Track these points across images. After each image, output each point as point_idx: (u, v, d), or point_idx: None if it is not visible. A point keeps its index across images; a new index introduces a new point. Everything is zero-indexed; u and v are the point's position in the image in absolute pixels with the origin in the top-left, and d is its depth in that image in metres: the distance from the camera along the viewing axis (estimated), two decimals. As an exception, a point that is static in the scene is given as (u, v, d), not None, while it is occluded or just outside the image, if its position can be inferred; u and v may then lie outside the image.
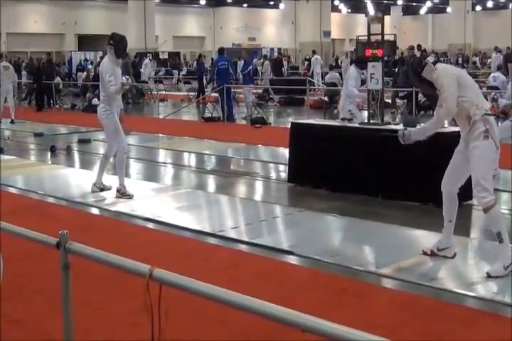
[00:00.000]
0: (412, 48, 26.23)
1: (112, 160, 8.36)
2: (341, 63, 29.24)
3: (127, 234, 6.38)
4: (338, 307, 4.37)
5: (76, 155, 12.00)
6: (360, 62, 9.86)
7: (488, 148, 4.86)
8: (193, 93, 23.58)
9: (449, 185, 5.21)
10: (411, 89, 16.77)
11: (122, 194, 7.78)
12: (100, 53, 35.35)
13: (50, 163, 11.01)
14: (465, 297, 4.59)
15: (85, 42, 43.77)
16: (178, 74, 32.90)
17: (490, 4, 49.82)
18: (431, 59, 5.08)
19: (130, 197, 7.75)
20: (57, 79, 23.83)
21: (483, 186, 4.83)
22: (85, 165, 10.98)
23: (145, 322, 2.58)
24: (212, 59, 31.61)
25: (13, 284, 4.71)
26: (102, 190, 8.06)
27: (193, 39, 51.11)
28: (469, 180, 7.04)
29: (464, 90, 4.95)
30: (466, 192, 7.35)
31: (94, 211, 7.44)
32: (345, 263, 5.31)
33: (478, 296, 4.57)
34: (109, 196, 7.95)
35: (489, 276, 4.83)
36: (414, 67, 5.20)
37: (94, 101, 20.49)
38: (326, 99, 18.52)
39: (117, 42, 7.74)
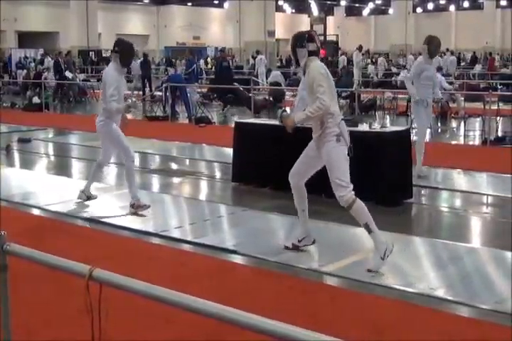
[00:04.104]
0: (359, 49, 26.61)
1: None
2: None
3: (68, 235, 6.28)
4: (282, 305, 4.40)
5: (16, 155, 11.75)
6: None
7: (341, 150, 5.12)
8: (136, 92, 23.38)
9: (298, 178, 5.49)
10: (353, 90, 17.02)
11: (137, 207, 6.98)
12: (41, 51, 34.74)
13: (-12, 162, 10.75)
14: (404, 293, 4.69)
15: (26, 39, 42.86)
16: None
17: (430, 6, 50.91)
18: (312, 47, 5.24)
19: (147, 206, 7.00)
20: (-4, 77, 23.30)
21: (341, 185, 5.07)
22: (26, 164, 10.77)
23: (87, 323, 2.55)
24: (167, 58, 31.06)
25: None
26: (88, 198, 7.46)
27: (137, 37, 50.53)
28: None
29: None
30: (405, 190, 7.54)
31: (35, 211, 7.31)
32: (288, 261, 5.36)
33: (416, 292, 4.68)
34: (52, 197, 7.82)
35: (371, 271, 4.99)
36: (296, 37, 5.44)
37: (35, 99, 20.11)
38: (270, 98, 18.61)
39: (123, 49, 7.00)
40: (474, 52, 35.28)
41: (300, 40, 5.33)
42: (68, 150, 12.48)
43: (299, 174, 5.48)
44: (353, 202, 5.07)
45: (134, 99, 7.26)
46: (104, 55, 38.01)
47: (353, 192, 5.10)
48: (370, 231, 5.08)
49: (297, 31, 5.71)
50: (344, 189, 5.06)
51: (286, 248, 5.62)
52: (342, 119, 5.21)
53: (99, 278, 2.39)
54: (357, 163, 7.27)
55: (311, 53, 5.24)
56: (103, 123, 7.05)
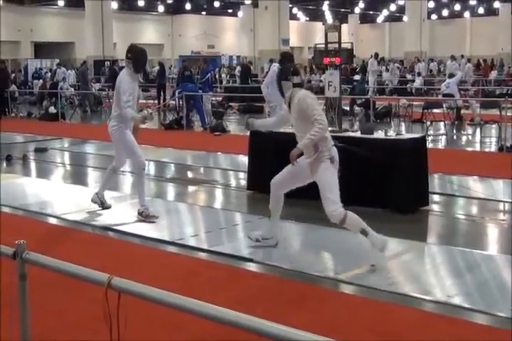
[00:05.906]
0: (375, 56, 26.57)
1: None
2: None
3: (86, 244, 6.33)
4: (297, 312, 4.40)
5: (33, 165, 11.84)
6: (285, 61, 10.02)
7: (334, 171, 5.43)
8: (152, 101, 23.50)
9: (280, 188, 5.80)
10: (368, 97, 17.01)
11: (146, 216, 6.99)
12: (57, 61, 35.00)
13: (5, 172, 10.84)
14: (421, 301, 4.67)
15: (42, 49, 43.23)
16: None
17: (445, 13, 50.71)
18: (297, 80, 5.62)
19: (156, 218, 7.04)
20: (13, 87, 23.52)
21: (334, 201, 5.35)
22: (42, 174, 10.85)
23: (105, 330, 2.58)
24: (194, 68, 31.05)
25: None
26: (102, 203, 7.47)
27: (152, 46, 50.83)
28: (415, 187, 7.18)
29: None
30: (421, 198, 7.52)
31: (52, 220, 7.36)
32: (304, 269, 5.35)
33: (433, 300, 4.66)
34: (69, 206, 7.88)
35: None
36: (281, 71, 5.85)
37: (51, 109, 20.28)
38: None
39: (136, 56, 7.00)
40: (485, 60, 35.21)
41: (285, 73, 5.65)
42: (84, 159, 12.56)
43: (282, 184, 5.77)
44: (344, 216, 5.33)
45: (150, 111, 7.28)
46: (120, 64, 38.23)
47: (342, 208, 5.35)
48: (366, 234, 5.36)
49: (283, 66, 6.26)
50: (336, 204, 5.34)
51: (249, 238, 5.95)
52: (333, 145, 5.48)
53: (118, 286, 2.41)
54: (372, 171, 7.31)
55: (295, 85, 5.56)
56: (116, 128, 7.06)
